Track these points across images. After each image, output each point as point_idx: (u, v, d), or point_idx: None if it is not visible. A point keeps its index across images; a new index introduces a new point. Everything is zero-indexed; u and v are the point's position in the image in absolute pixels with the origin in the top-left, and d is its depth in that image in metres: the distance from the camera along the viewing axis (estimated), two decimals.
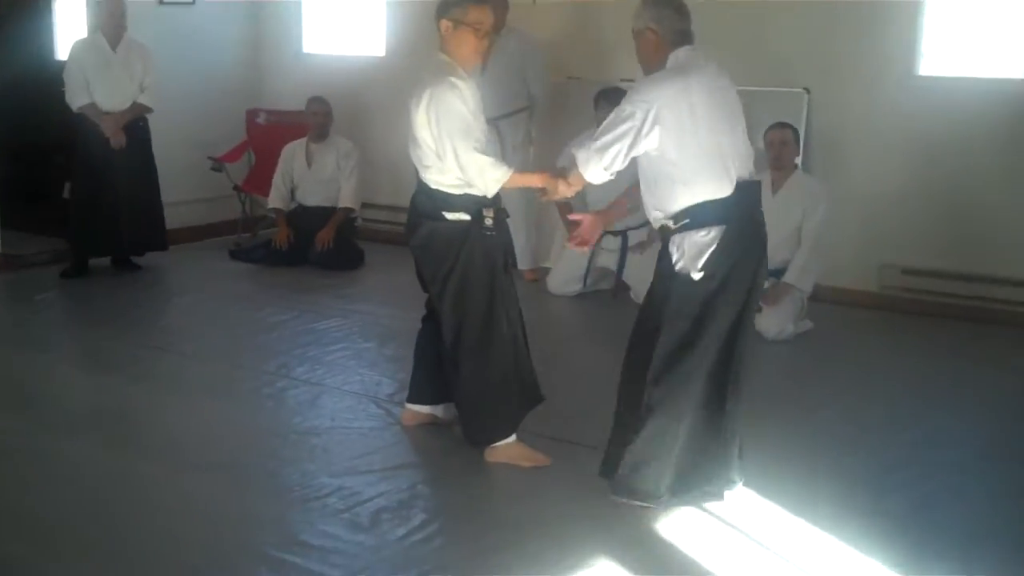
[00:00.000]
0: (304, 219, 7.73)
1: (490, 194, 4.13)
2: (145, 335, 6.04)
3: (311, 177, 7.78)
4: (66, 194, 7.33)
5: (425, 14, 7.98)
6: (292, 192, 7.89)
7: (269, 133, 8.44)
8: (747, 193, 3.75)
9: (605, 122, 3.74)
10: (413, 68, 7.87)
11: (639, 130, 3.64)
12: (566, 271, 6.95)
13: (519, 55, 7.05)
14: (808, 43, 6.70)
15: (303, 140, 7.87)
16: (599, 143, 3.72)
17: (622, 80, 6.74)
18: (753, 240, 3.77)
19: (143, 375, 5.36)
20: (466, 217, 4.16)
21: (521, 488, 4.10)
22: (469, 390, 4.29)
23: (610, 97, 6.64)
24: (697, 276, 3.68)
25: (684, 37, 3.78)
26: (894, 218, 6.60)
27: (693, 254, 3.69)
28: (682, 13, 3.80)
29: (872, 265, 6.68)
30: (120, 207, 7.08)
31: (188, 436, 4.58)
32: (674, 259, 3.75)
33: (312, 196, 7.81)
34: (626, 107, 3.67)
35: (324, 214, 7.69)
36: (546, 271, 7.16)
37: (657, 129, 3.63)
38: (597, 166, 3.75)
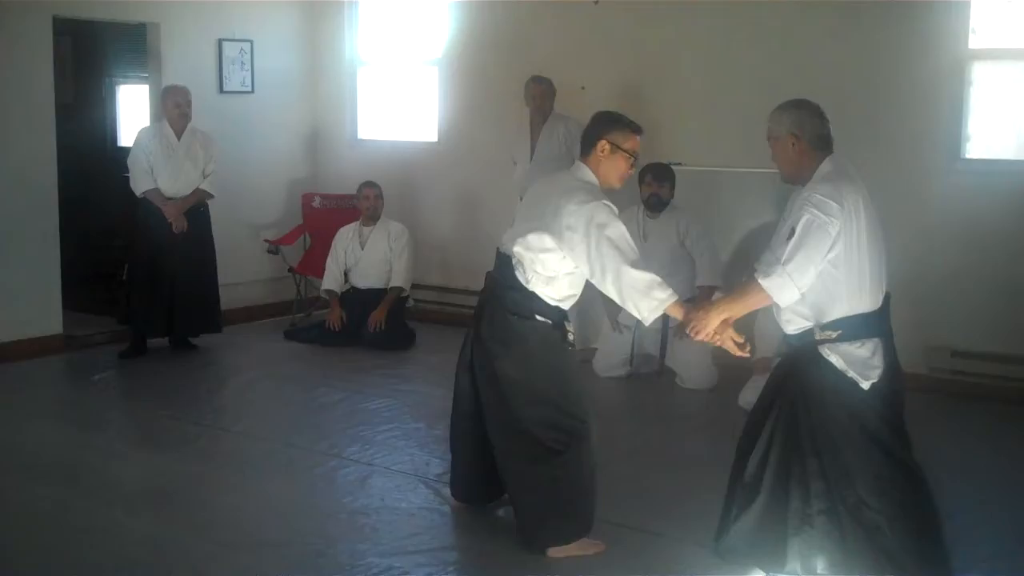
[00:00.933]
0: (357, 300, 7.87)
1: (647, 323, 4.04)
2: (200, 414, 6.16)
3: (364, 259, 7.93)
4: (124, 276, 7.53)
5: (474, 102, 8.28)
6: (345, 274, 8.03)
7: (324, 217, 8.63)
8: (887, 305, 3.78)
9: (792, 243, 3.58)
10: (463, 152, 8.17)
11: (832, 246, 3.59)
12: (612, 354, 7.00)
13: (567, 140, 7.19)
14: (854, 127, 6.73)
15: (356, 224, 8.04)
16: (793, 264, 3.57)
17: (669, 162, 6.87)
18: (894, 352, 3.80)
19: (198, 453, 5.46)
20: (549, 322, 4.20)
21: (572, 569, 4.11)
22: (544, 493, 4.18)
23: (656, 172, 6.77)
24: (866, 385, 3.66)
25: (825, 143, 3.77)
26: (943, 300, 6.59)
27: (858, 365, 3.67)
28: (822, 118, 3.79)
29: (920, 348, 6.64)
30: (177, 289, 7.26)
31: (241, 514, 4.66)
32: (840, 367, 3.67)
33: (364, 278, 7.95)
34: (815, 220, 3.57)
35: (376, 296, 7.82)
36: (593, 352, 7.21)
37: (841, 241, 3.60)
38: (793, 290, 3.61)
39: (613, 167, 4.19)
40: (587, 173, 4.20)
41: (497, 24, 8.13)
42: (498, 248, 4.33)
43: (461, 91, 8.34)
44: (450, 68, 8.36)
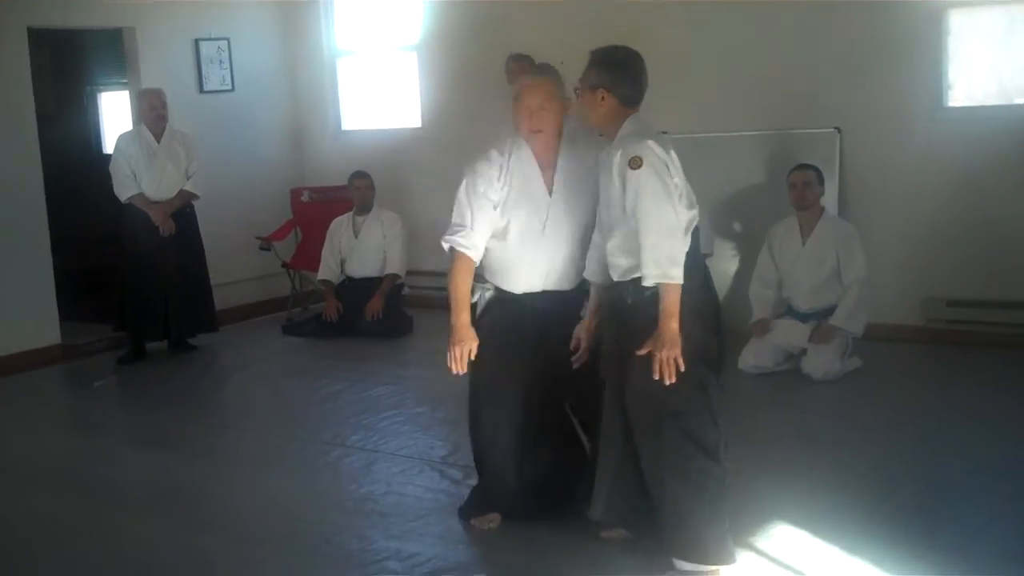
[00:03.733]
0: (352, 291, 7.88)
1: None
2: (202, 413, 6.18)
3: (358, 248, 7.94)
4: (118, 283, 7.51)
5: (456, 84, 8.26)
6: (341, 265, 8.03)
7: (313, 210, 8.63)
8: None
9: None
10: (449, 136, 8.16)
11: None
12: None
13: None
14: (836, 82, 6.76)
15: (349, 214, 8.05)
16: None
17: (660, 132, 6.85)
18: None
19: (201, 451, 5.48)
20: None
21: (587, 548, 4.08)
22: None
23: None
24: None
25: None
26: (935, 251, 6.60)
27: None
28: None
29: (916, 299, 6.66)
30: (170, 293, 7.27)
31: (247, 509, 4.67)
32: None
33: (360, 268, 7.95)
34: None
35: (371, 285, 7.83)
36: None
37: None
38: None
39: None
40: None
41: (473, 3, 8.10)
42: None
43: (442, 74, 8.32)
44: (429, 52, 8.35)
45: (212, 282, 7.62)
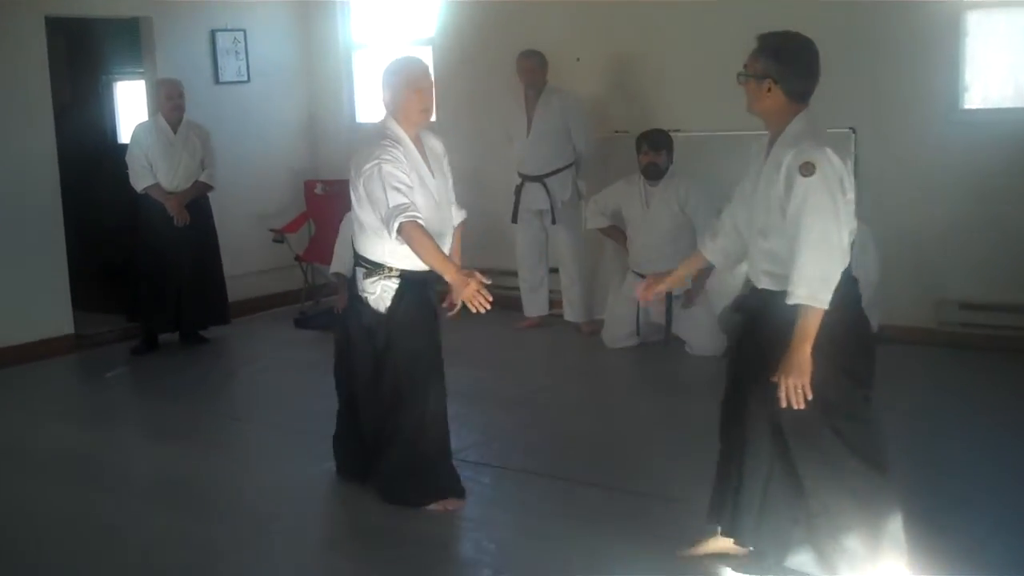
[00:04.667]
0: None
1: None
2: (214, 405, 6.21)
3: None
4: (131, 273, 7.55)
5: (470, 80, 8.26)
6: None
7: (327, 202, 8.63)
8: None
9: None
10: (462, 131, 8.15)
11: None
12: (619, 325, 7.01)
13: (562, 112, 7.18)
14: (852, 82, 6.73)
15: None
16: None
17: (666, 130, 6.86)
18: None
19: (214, 443, 5.51)
20: None
21: (604, 517, 4.15)
22: None
23: (652, 141, 6.77)
24: None
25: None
26: (949, 253, 6.59)
27: None
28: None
29: (929, 302, 6.65)
30: (183, 284, 7.31)
31: (258, 500, 4.69)
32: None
33: None
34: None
35: None
36: (600, 323, 7.22)
37: None
38: None
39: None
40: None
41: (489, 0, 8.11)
42: None
43: (457, 69, 8.32)
44: (444, 47, 8.36)
45: (225, 273, 7.65)
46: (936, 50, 6.52)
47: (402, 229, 4.07)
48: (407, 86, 4.32)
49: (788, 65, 3.51)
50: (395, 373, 4.34)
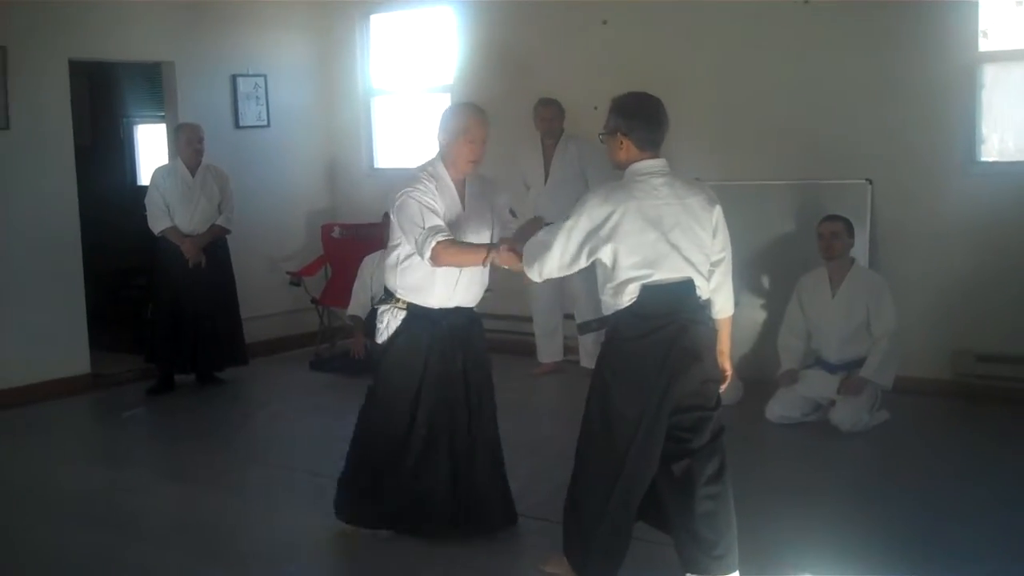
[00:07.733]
0: None
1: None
2: (229, 447, 6.21)
3: None
4: (149, 314, 7.60)
5: (490, 124, 8.28)
6: (372, 301, 8.05)
7: (344, 246, 8.67)
8: None
9: None
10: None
11: None
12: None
13: (579, 160, 7.23)
14: (868, 134, 6.78)
15: (382, 251, 8.04)
16: None
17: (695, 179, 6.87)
18: None
19: (228, 486, 5.51)
20: None
21: None
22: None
23: None
24: None
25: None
26: (965, 305, 6.57)
27: None
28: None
29: (945, 353, 6.63)
30: (200, 325, 7.34)
31: (273, 543, 4.69)
32: None
33: None
34: None
35: None
36: None
37: None
38: None
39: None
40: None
41: (507, 47, 8.18)
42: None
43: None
44: (462, 93, 8.42)
45: (242, 315, 7.68)
46: (952, 102, 6.55)
47: (435, 250, 4.12)
48: (462, 134, 4.36)
49: (633, 119, 3.88)
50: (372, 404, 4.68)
